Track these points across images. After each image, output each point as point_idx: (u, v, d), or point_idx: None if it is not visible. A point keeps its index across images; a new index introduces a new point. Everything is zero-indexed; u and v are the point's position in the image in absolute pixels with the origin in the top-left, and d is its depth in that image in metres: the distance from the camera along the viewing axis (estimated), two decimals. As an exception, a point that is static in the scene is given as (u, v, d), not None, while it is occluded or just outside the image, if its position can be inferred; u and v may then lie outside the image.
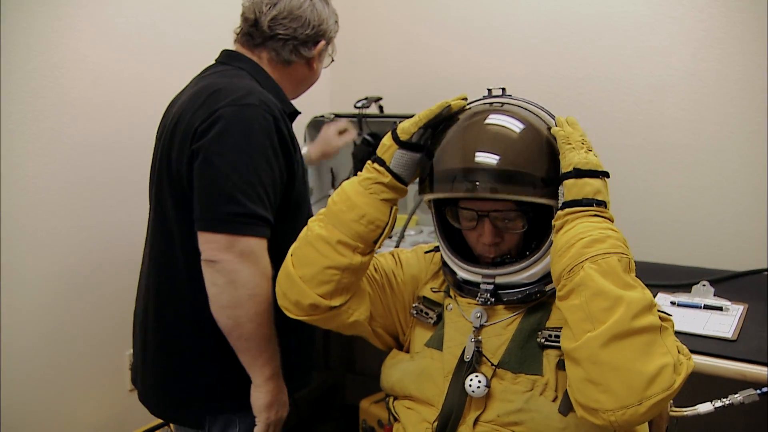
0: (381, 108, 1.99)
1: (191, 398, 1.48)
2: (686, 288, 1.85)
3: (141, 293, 1.58)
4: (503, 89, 1.27)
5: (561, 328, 1.13)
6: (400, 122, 1.25)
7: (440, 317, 1.30)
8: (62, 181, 1.92)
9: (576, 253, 1.03)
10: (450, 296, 1.30)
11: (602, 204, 1.09)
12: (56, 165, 1.90)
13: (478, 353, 1.19)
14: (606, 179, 1.12)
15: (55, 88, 1.87)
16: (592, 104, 2.32)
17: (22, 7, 1.76)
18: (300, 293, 1.22)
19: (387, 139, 1.25)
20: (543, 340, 1.17)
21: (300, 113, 1.58)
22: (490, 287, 1.20)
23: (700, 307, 1.74)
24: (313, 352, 1.64)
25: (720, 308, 1.72)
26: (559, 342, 1.12)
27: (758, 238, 2.09)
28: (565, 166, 1.11)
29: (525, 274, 1.19)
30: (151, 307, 1.52)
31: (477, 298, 1.20)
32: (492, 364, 1.18)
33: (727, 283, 1.95)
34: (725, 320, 1.66)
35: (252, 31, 1.54)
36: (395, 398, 1.31)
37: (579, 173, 1.09)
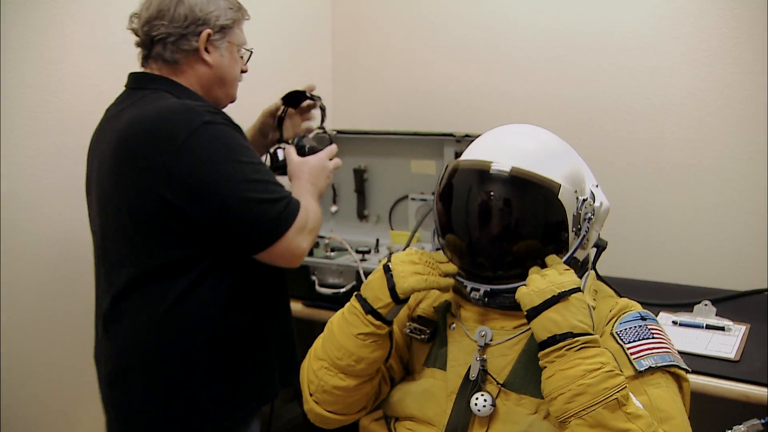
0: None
1: None
2: (688, 307, 1.84)
3: None
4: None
5: None
6: (388, 259, 1.24)
7: (434, 334, 1.29)
8: (66, 186, 1.92)
9: (560, 408, 1.03)
10: (453, 315, 1.29)
11: (567, 336, 1.05)
12: (60, 170, 1.91)
13: (484, 372, 1.19)
14: (569, 296, 1.09)
15: (57, 103, 1.88)
16: (594, 123, 2.32)
17: (23, 24, 1.78)
18: (339, 422, 1.30)
19: (383, 294, 1.20)
20: None
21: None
22: (486, 288, 1.20)
23: (702, 327, 1.73)
24: (269, 366, 1.59)
25: (722, 328, 1.71)
26: None
27: (760, 257, 2.08)
28: (522, 308, 1.11)
29: (520, 281, 1.18)
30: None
31: (470, 296, 1.21)
32: (497, 383, 1.18)
33: (729, 303, 1.94)
34: (727, 340, 1.65)
35: (140, 46, 1.51)
36: (396, 419, 1.30)
37: (534, 312, 1.08)
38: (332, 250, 2.21)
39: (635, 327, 1.16)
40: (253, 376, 1.52)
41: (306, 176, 1.60)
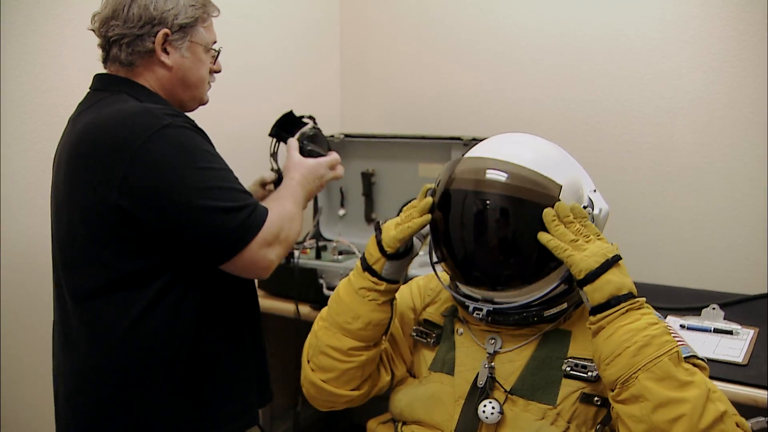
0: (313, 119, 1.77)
1: None
2: (696, 311, 1.84)
3: None
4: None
5: (590, 360, 1.14)
6: (382, 223, 1.28)
7: (439, 338, 1.31)
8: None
9: (626, 363, 1.03)
10: (460, 320, 1.30)
11: (629, 296, 1.08)
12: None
13: (492, 379, 1.19)
14: (619, 261, 1.11)
15: (69, 108, 1.88)
16: (602, 127, 2.32)
17: (17, 32, 1.78)
18: (331, 396, 1.30)
19: (374, 250, 1.26)
20: (569, 368, 1.16)
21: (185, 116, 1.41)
22: (489, 308, 1.19)
23: (710, 331, 1.73)
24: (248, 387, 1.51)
25: (730, 332, 1.71)
26: (584, 374, 1.14)
27: (769, 261, 2.08)
28: (576, 273, 1.10)
29: (523, 298, 1.19)
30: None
31: (473, 315, 1.21)
32: (505, 390, 1.18)
33: (737, 307, 1.94)
34: (735, 344, 1.65)
35: (100, 47, 1.43)
36: (404, 423, 1.30)
37: (593, 276, 1.08)
38: (340, 253, 2.21)
39: None
40: (226, 398, 1.43)
41: (299, 177, 1.56)
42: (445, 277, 1.31)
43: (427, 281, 1.43)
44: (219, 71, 1.53)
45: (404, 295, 1.41)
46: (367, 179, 2.45)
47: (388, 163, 2.43)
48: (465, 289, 1.25)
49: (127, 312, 1.31)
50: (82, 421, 1.38)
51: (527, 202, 1.14)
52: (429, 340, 1.31)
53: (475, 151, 1.24)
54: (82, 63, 1.89)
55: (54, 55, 1.85)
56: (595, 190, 1.25)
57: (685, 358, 1.07)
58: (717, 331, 1.72)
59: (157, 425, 1.36)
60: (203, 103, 1.52)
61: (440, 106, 2.63)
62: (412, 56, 2.71)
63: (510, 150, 1.20)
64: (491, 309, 1.19)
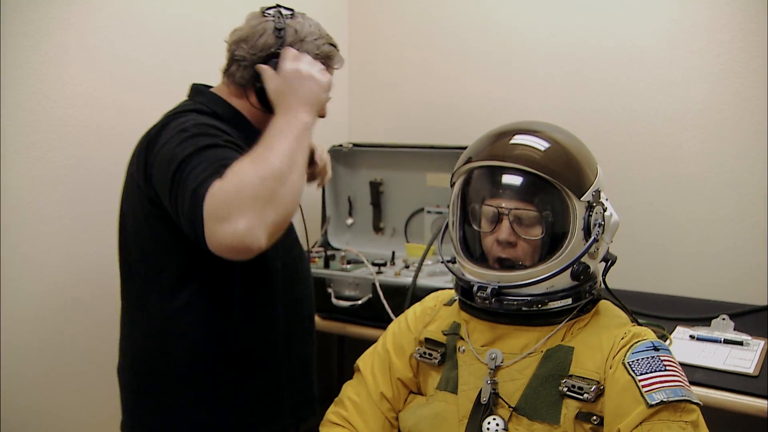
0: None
1: None
2: (706, 322, 1.83)
3: None
4: None
5: (587, 379, 1.15)
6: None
7: (444, 357, 1.30)
8: (83, 206, 1.94)
9: None
10: (462, 338, 1.29)
11: None
12: (76, 190, 1.92)
13: (495, 395, 1.19)
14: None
15: (79, 117, 1.90)
16: (610, 137, 2.32)
17: (15, 36, 1.77)
18: None
19: None
20: (565, 389, 1.16)
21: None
22: (494, 285, 1.20)
23: (720, 342, 1.72)
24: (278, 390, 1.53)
25: (740, 343, 1.70)
26: (581, 395, 1.14)
27: (779, 272, 2.07)
28: None
29: (530, 283, 1.19)
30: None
31: (476, 298, 1.21)
32: (509, 406, 1.18)
33: (747, 318, 1.93)
34: (746, 355, 1.64)
35: (227, 60, 1.47)
36: None
37: None
38: (348, 262, 2.21)
39: (648, 358, 1.14)
40: (252, 403, 1.46)
41: (288, 91, 1.33)
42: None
43: (422, 305, 1.44)
44: (324, 116, 1.46)
45: (401, 329, 1.42)
46: (375, 188, 2.46)
47: (396, 173, 2.44)
48: (471, 275, 1.25)
49: (161, 310, 1.39)
50: (123, 395, 1.51)
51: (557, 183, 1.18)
52: (434, 360, 1.31)
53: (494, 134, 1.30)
54: (84, 68, 1.92)
55: (63, 64, 1.86)
56: (606, 199, 1.26)
57: (675, 401, 1.07)
58: (727, 341, 1.72)
59: (178, 418, 1.42)
60: None
61: (448, 116, 2.64)
62: (421, 66, 2.72)
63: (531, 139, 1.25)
64: (496, 287, 1.19)
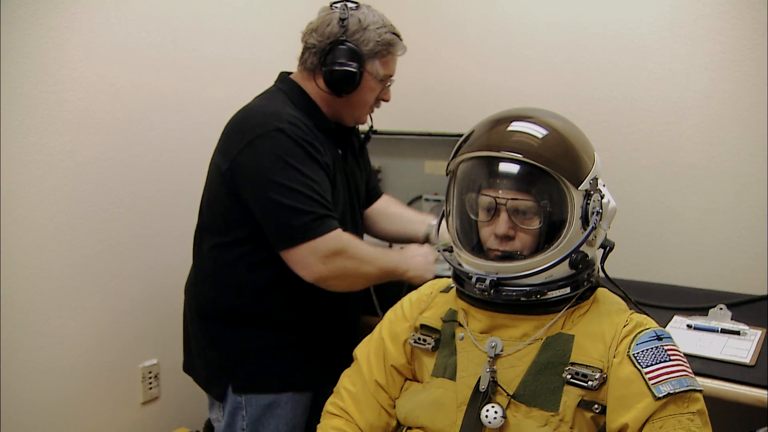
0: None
1: (218, 373, 1.68)
2: (703, 311, 1.83)
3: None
4: None
5: (591, 367, 1.14)
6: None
7: (438, 342, 1.30)
8: (80, 192, 1.94)
9: None
10: (461, 325, 1.29)
11: None
12: (72, 175, 1.93)
13: (494, 383, 1.19)
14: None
15: (75, 102, 1.89)
16: (610, 125, 2.31)
17: (39, 23, 1.79)
18: None
19: None
20: (569, 376, 1.16)
21: (334, 126, 1.71)
22: (493, 277, 1.19)
23: (717, 331, 1.72)
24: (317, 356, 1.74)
25: (737, 332, 1.70)
26: (584, 383, 1.14)
27: (777, 261, 2.07)
28: None
29: (529, 274, 1.18)
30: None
31: (475, 289, 1.20)
32: (507, 394, 1.18)
33: (744, 307, 1.93)
34: (743, 345, 1.64)
35: (302, 50, 1.69)
36: (408, 428, 1.31)
37: None
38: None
39: (652, 348, 1.14)
40: (289, 358, 1.68)
41: (408, 254, 1.75)
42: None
43: (418, 293, 1.44)
44: (387, 100, 1.78)
45: (397, 316, 1.42)
46: (374, 176, 2.44)
47: (394, 160, 2.43)
48: (469, 266, 1.24)
49: (232, 264, 1.63)
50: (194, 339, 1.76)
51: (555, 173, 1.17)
52: (427, 345, 1.31)
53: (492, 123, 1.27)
54: (89, 57, 1.92)
55: (60, 49, 1.85)
56: (604, 185, 1.26)
57: (681, 392, 1.08)
58: (724, 331, 1.71)
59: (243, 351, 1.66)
60: (360, 122, 1.80)
61: (447, 103, 2.63)
62: (419, 52, 2.69)
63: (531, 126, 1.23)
64: (495, 279, 1.18)
